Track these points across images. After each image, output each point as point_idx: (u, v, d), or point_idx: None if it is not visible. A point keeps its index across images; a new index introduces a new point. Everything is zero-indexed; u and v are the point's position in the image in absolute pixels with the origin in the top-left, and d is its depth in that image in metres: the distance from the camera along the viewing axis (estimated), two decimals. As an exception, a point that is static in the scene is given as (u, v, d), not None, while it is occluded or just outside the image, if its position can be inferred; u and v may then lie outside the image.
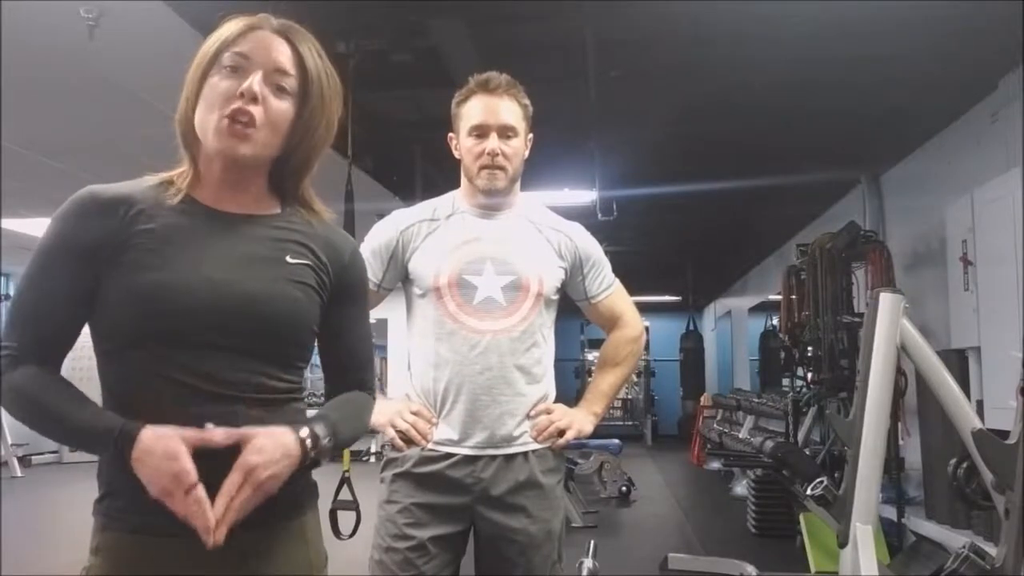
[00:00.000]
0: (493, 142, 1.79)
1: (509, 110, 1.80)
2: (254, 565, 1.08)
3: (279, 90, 1.10)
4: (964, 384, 3.63)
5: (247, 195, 1.15)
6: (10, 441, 8.50)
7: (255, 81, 1.07)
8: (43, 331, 1.07)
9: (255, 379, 1.08)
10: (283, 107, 1.10)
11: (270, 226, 1.15)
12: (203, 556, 1.04)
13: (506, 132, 1.80)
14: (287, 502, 1.12)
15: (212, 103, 1.07)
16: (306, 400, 1.23)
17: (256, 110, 1.07)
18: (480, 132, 1.80)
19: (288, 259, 1.13)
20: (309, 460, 1.08)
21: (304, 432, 1.07)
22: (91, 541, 1.08)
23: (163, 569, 1.04)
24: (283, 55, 1.11)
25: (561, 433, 1.82)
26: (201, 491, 0.97)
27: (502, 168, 1.80)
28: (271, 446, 1.02)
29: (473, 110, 1.81)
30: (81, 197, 1.10)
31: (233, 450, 1.01)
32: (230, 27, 1.11)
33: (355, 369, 1.28)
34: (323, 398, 1.26)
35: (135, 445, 0.98)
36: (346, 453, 3.14)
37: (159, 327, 1.05)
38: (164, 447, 0.98)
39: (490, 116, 1.79)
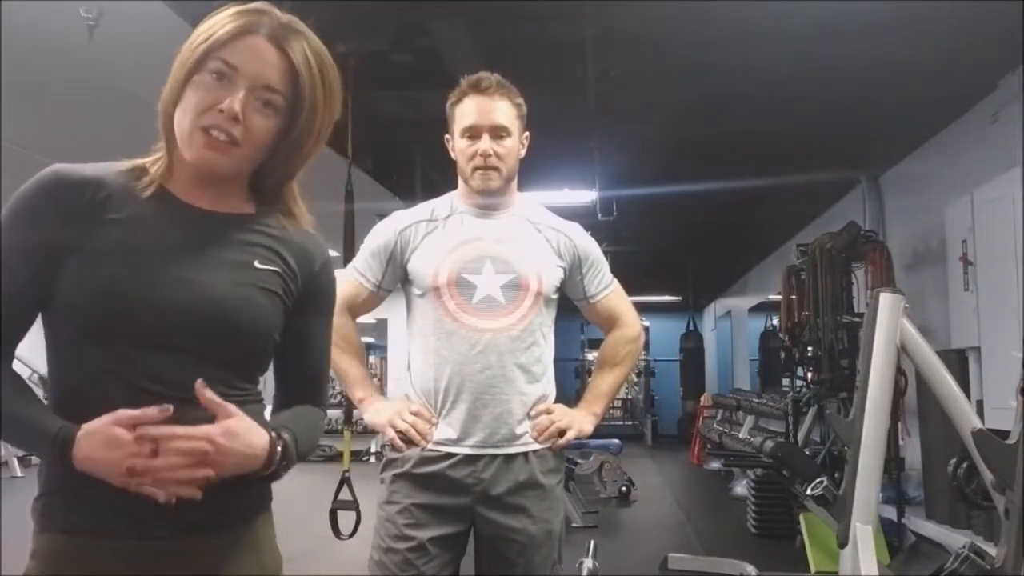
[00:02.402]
0: (485, 143, 1.79)
1: (501, 110, 1.80)
2: (196, 568, 1.04)
3: (265, 105, 1.04)
4: (964, 384, 3.63)
5: (222, 192, 1.10)
6: (10, 441, 8.49)
7: (237, 100, 1.01)
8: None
9: (209, 385, 1.01)
10: (267, 125, 1.04)
11: (242, 228, 1.10)
12: (143, 559, 1.00)
13: (498, 132, 1.80)
14: (236, 507, 1.08)
15: (191, 112, 1.02)
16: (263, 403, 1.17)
17: (236, 129, 1.01)
18: (472, 133, 1.80)
19: (256, 264, 1.09)
20: (269, 471, 1.04)
21: (277, 439, 1.04)
22: (31, 543, 1.03)
23: (102, 570, 1.00)
24: (273, 69, 1.03)
25: (561, 433, 1.82)
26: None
27: (495, 168, 1.80)
28: (241, 436, 0.99)
29: (465, 111, 1.81)
30: (45, 177, 1.04)
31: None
32: (223, 24, 1.03)
33: (314, 383, 1.23)
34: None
35: (74, 450, 0.95)
36: (346, 453, 3.14)
37: (113, 322, 1.00)
38: (103, 438, 0.94)
39: (482, 117, 1.79)
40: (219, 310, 1.04)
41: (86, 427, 0.95)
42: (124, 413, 0.95)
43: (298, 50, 1.05)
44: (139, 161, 1.10)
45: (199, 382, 0.97)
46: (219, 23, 1.04)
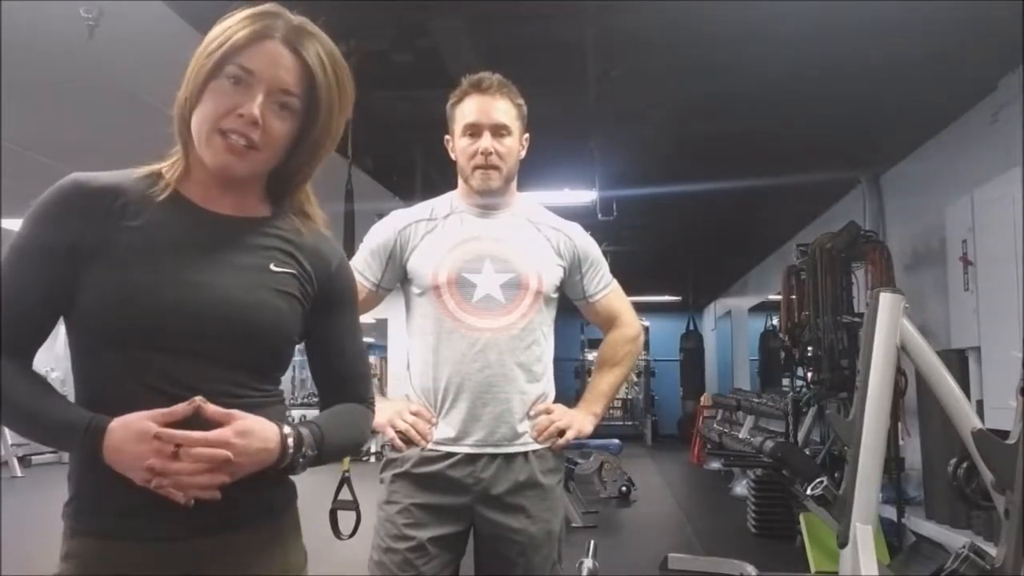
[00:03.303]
0: (486, 141, 1.79)
1: (502, 109, 1.81)
2: (222, 567, 1.05)
3: (282, 108, 1.06)
4: (964, 384, 3.63)
5: (239, 196, 1.12)
6: (10, 441, 8.50)
7: (256, 104, 1.03)
8: (16, 324, 1.03)
9: (227, 387, 1.04)
10: (284, 128, 1.06)
11: (258, 231, 1.12)
12: (171, 560, 1.02)
13: (499, 131, 1.80)
14: (261, 505, 1.09)
15: (210, 116, 1.04)
16: (303, 401, 1.19)
17: (255, 133, 1.03)
18: (473, 131, 1.81)
19: (272, 267, 1.10)
20: (285, 463, 1.04)
21: (288, 432, 1.05)
22: (61, 547, 1.05)
23: (130, 573, 1.01)
24: (290, 73, 1.05)
25: (561, 433, 1.82)
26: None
27: (496, 167, 1.80)
28: (256, 434, 1.01)
29: (466, 110, 1.82)
30: (65, 187, 1.06)
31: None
32: (238, 28, 1.04)
33: (351, 383, 1.24)
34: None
35: (105, 439, 0.96)
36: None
37: (132, 328, 1.02)
38: (135, 431, 0.96)
39: (483, 115, 1.80)
40: (236, 314, 1.05)
41: (120, 419, 0.97)
42: (158, 411, 0.97)
43: (313, 53, 1.07)
44: (155, 167, 1.11)
45: (199, 399, 0.99)
46: (234, 28, 1.05)
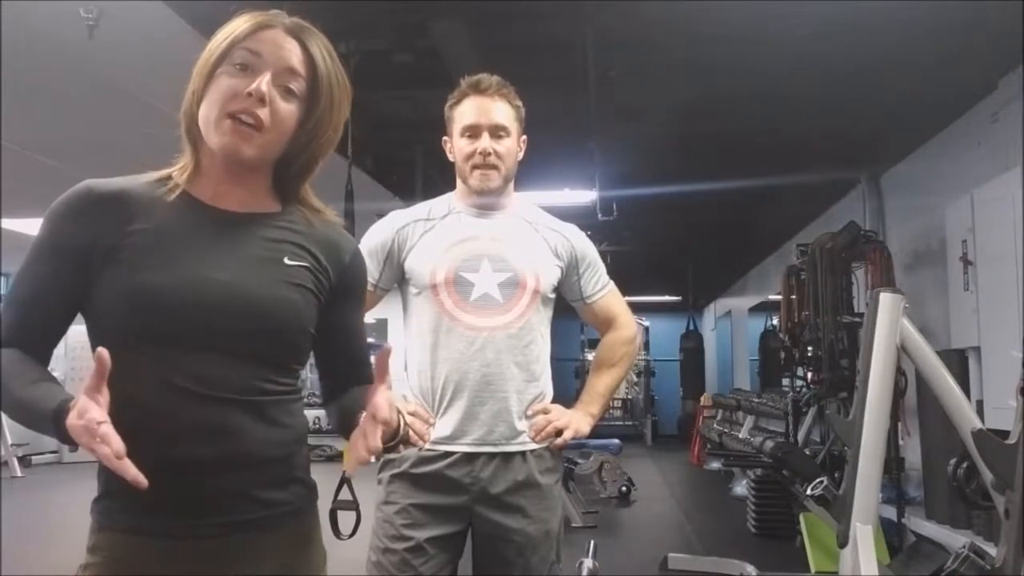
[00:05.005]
0: (485, 141, 1.80)
1: (500, 110, 1.81)
2: (249, 566, 1.07)
3: (287, 92, 1.08)
4: (964, 384, 3.63)
5: (247, 192, 1.13)
6: (10, 441, 8.49)
7: (264, 82, 1.05)
8: (30, 321, 1.06)
9: (249, 382, 1.06)
10: (290, 110, 1.08)
11: (269, 226, 1.13)
12: (198, 557, 1.03)
13: (498, 132, 1.81)
14: (284, 503, 1.11)
15: (218, 100, 1.05)
16: (305, 400, 1.22)
17: (263, 112, 1.05)
18: (472, 132, 1.81)
19: (286, 260, 1.11)
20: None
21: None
22: (88, 540, 1.07)
23: (157, 570, 1.03)
24: (294, 56, 1.09)
25: (559, 433, 1.82)
26: (105, 427, 0.88)
27: (495, 167, 1.81)
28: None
29: (465, 111, 1.82)
30: (78, 192, 1.08)
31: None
32: (241, 23, 1.08)
33: (360, 369, 1.26)
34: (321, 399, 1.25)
35: (67, 420, 0.93)
36: (346, 452, 3.15)
37: (152, 326, 1.03)
38: (78, 408, 0.91)
39: (482, 116, 1.80)
40: (251, 308, 1.07)
41: (78, 408, 0.92)
42: (104, 399, 0.91)
43: (314, 43, 1.11)
44: (165, 171, 1.13)
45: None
46: (237, 23, 1.09)
